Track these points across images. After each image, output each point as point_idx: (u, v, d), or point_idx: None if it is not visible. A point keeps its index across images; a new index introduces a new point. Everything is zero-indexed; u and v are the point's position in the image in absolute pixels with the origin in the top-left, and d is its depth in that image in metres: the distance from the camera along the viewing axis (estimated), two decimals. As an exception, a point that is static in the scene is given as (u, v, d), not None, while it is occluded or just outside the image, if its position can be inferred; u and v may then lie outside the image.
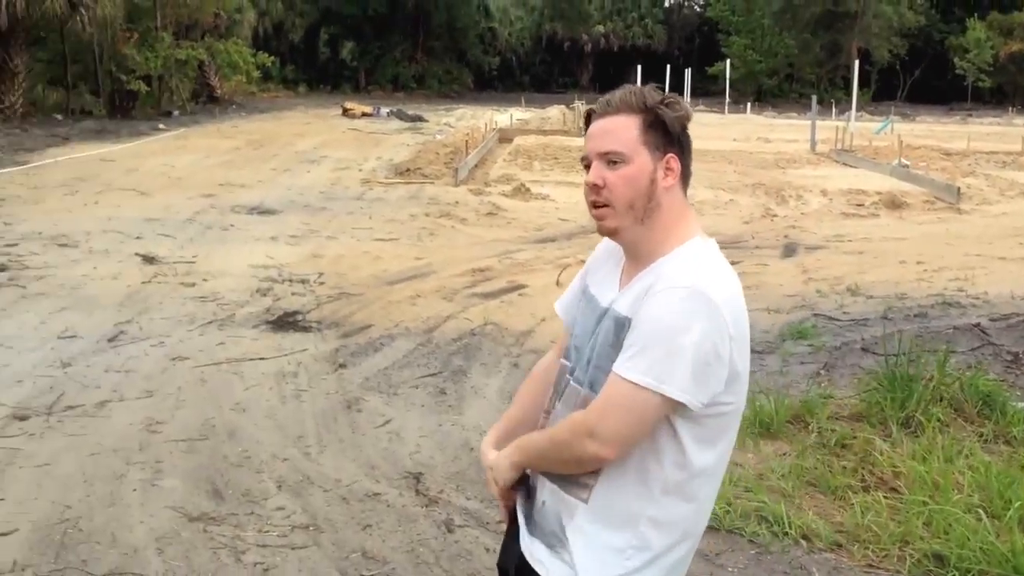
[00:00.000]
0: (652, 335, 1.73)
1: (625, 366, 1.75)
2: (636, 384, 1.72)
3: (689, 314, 1.72)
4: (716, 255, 1.88)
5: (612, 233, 1.91)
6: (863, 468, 4.54)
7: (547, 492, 1.95)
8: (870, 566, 3.80)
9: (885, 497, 4.22)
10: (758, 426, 4.98)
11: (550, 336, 7.01)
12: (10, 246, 9.79)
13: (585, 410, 1.82)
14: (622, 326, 1.82)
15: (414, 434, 5.14)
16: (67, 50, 28.38)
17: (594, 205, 1.90)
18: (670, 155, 1.86)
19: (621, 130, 1.85)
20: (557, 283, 8.62)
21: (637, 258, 1.91)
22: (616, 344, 1.81)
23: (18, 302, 7.64)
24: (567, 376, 1.98)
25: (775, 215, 13.53)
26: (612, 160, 1.85)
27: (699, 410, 1.75)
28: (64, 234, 10.55)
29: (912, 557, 3.78)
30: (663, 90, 1.91)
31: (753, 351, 6.57)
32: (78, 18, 25.67)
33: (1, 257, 9.24)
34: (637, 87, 1.90)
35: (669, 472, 1.82)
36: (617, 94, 1.90)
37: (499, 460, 2.01)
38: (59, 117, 27.05)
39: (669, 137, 1.86)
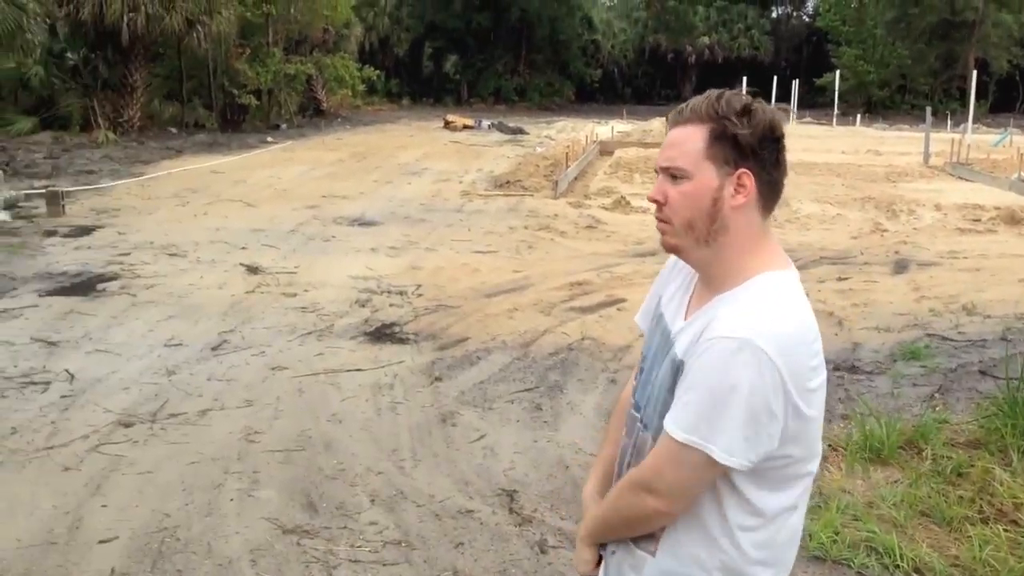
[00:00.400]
0: (699, 389, 1.58)
1: (673, 420, 1.61)
2: (682, 443, 1.58)
3: (738, 369, 1.53)
4: (787, 293, 1.65)
5: (674, 251, 1.75)
6: (981, 498, 4.27)
7: (617, 543, 1.83)
8: (990, 606, 3.56)
9: (1005, 530, 3.97)
10: (868, 451, 4.75)
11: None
12: (123, 255, 10.14)
13: (639, 466, 1.70)
14: (678, 370, 1.66)
15: (509, 450, 5.06)
16: (183, 65, 29.42)
17: (657, 219, 1.74)
18: (742, 171, 1.64)
19: (687, 142, 1.67)
20: (657, 298, 8.45)
21: (705, 282, 1.74)
22: (671, 388, 1.67)
23: (128, 310, 7.88)
24: (638, 427, 1.81)
25: (885, 230, 13.04)
26: (674, 175, 1.68)
27: (751, 467, 1.60)
28: (174, 244, 10.87)
29: (1037, 598, 3.53)
30: (754, 95, 1.70)
31: (862, 371, 6.39)
32: (195, 35, 26.57)
33: (114, 266, 9.57)
34: (717, 93, 1.69)
35: (735, 519, 1.67)
36: (692, 101, 1.71)
37: (577, 551, 1.91)
38: (174, 130, 28.05)
39: (741, 150, 1.64)
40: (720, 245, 1.67)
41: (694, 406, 1.58)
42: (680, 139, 1.68)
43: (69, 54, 26.10)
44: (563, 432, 5.34)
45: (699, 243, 1.68)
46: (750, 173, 1.64)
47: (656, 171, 1.75)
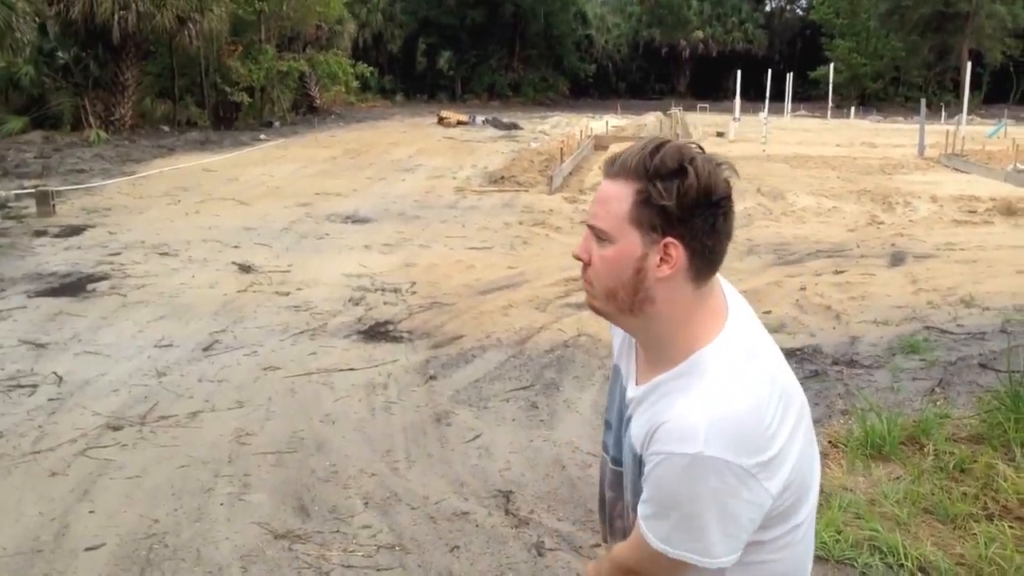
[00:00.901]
0: (663, 504, 1.45)
1: (646, 525, 1.49)
2: (659, 551, 1.47)
3: (695, 483, 1.40)
4: (731, 369, 1.47)
5: (600, 314, 1.57)
6: (985, 495, 4.20)
7: None
8: (996, 605, 3.48)
9: (1011, 527, 3.89)
10: (869, 447, 4.67)
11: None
12: (114, 255, 10.04)
13: (625, 550, 1.59)
14: (639, 464, 1.53)
15: (504, 450, 4.98)
16: (175, 63, 29.27)
17: (583, 279, 1.57)
18: (668, 240, 1.45)
19: (612, 201, 1.48)
20: (653, 293, 8.38)
21: (646, 351, 1.59)
22: (639, 477, 1.54)
23: (118, 311, 7.78)
24: (621, 482, 1.69)
25: (881, 222, 12.98)
26: (598, 236, 1.51)
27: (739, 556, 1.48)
28: (165, 243, 10.77)
29: (1044, 596, 3.46)
30: (697, 150, 1.50)
31: (860, 365, 6.31)
32: (186, 32, 26.44)
33: (105, 266, 9.47)
34: (653, 146, 1.47)
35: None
36: (627, 151, 1.50)
37: None
38: (166, 128, 27.92)
39: (668, 217, 1.44)
40: (647, 316, 1.51)
41: (662, 518, 1.46)
42: (607, 196, 1.50)
43: (60, 53, 25.95)
44: (559, 431, 5.26)
45: (623, 312, 1.53)
46: (678, 243, 1.46)
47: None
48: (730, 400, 1.43)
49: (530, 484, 4.56)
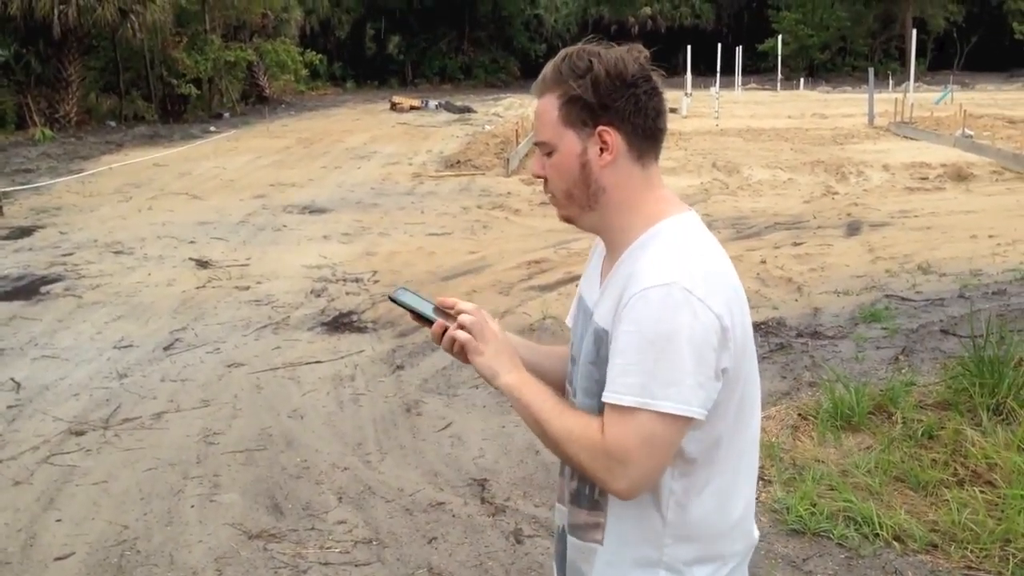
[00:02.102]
0: (636, 348, 1.46)
1: (614, 390, 1.48)
2: (632, 408, 1.46)
3: (672, 314, 1.44)
4: (693, 234, 1.59)
5: (567, 221, 1.68)
6: (955, 461, 4.26)
7: (569, 547, 1.72)
8: (970, 568, 3.54)
9: (981, 492, 3.95)
10: (839, 418, 4.71)
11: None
12: (66, 255, 9.83)
13: (602, 435, 1.50)
14: (601, 340, 1.56)
15: (476, 437, 4.96)
16: (119, 57, 28.64)
17: (546, 193, 1.69)
18: (601, 128, 1.56)
19: (545, 113, 1.60)
20: (615, 273, 8.39)
21: (608, 247, 1.68)
22: (597, 361, 1.57)
23: (74, 312, 7.62)
24: (570, 396, 1.72)
25: (836, 193, 13.11)
26: (544, 150, 1.62)
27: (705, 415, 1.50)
28: (119, 241, 10.57)
29: (1015, 557, 3.52)
30: (607, 44, 1.60)
31: (824, 336, 6.38)
32: (128, 25, 25.83)
33: (57, 267, 9.26)
34: (563, 54, 1.60)
35: (673, 482, 1.57)
36: (546, 67, 1.62)
37: (498, 362, 1.63)
38: (113, 124, 27.37)
39: (592, 109, 1.55)
40: (604, 206, 1.61)
41: (635, 366, 1.46)
42: (540, 111, 1.62)
43: (-1, 50, 25.30)
44: (530, 415, 5.24)
45: (584, 209, 1.63)
46: (610, 129, 1.56)
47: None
48: (702, 255, 1.55)
49: (504, 471, 4.55)
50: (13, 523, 4.04)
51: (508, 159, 16.51)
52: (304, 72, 40.41)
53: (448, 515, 4.08)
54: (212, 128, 27.51)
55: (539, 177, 1.66)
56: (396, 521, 4.03)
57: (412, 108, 34.33)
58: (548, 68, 1.62)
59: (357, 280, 8.58)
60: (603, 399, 1.50)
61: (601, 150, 1.57)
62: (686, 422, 1.48)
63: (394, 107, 34.76)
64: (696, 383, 1.46)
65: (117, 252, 10.01)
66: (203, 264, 9.37)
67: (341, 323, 7.22)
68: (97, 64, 29.12)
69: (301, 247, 10.20)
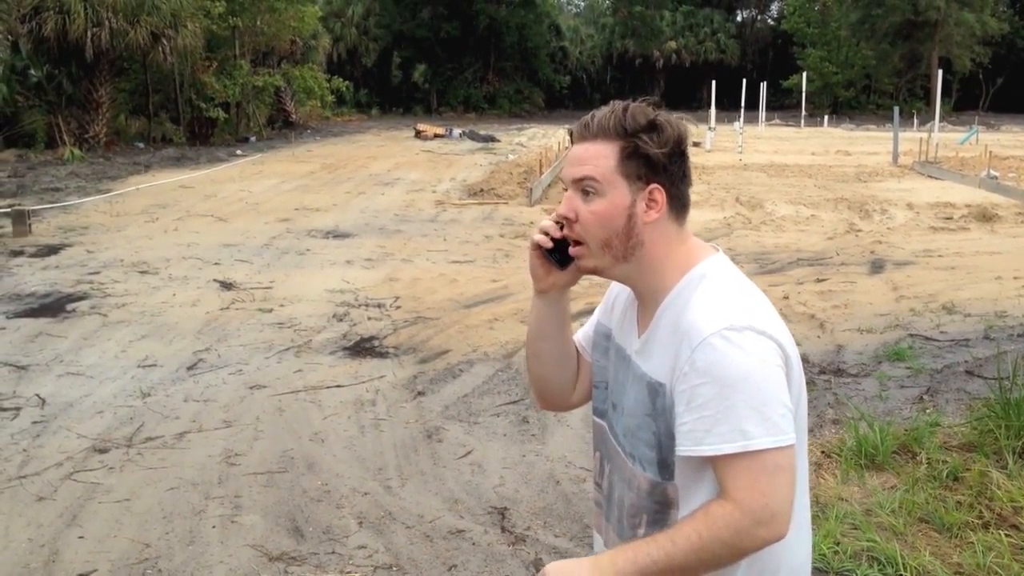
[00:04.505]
0: (720, 397, 1.49)
1: (719, 439, 1.49)
2: (749, 452, 1.48)
3: (739, 358, 1.49)
4: (729, 272, 1.65)
5: (593, 272, 1.69)
6: (979, 503, 4.21)
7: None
8: (995, 613, 3.49)
9: (1007, 535, 3.90)
10: (863, 457, 4.68)
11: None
12: (93, 274, 9.93)
13: (728, 501, 1.50)
14: (656, 392, 1.60)
15: (497, 465, 4.95)
16: (149, 80, 29.08)
17: (570, 239, 1.68)
18: (653, 186, 1.62)
19: (598, 158, 1.63)
20: (638, 305, 8.39)
21: (642, 297, 1.71)
22: (654, 413, 1.61)
23: (99, 331, 7.68)
24: (611, 439, 1.76)
25: (859, 230, 13.07)
26: (586, 189, 1.63)
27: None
28: (145, 261, 10.67)
29: (1042, 604, 3.47)
30: (656, 105, 1.66)
31: (847, 374, 6.34)
32: (160, 49, 26.25)
33: (84, 285, 9.35)
34: (622, 106, 1.65)
35: None
36: (598, 115, 1.65)
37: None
38: (141, 145, 27.71)
39: (653, 166, 1.61)
40: (639, 259, 1.65)
41: (723, 414, 1.49)
42: (591, 155, 1.64)
43: (32, 71, 25.68)
44: (551, 445, 5.24)
45: (618, 260, 1.65)
46: (661, 188, 1.62)
47: (564, 187, 1.72)
48: (744, 292, 1.61)
49: (525, 500, 4.53)
50: (36, 539, 4.06)
51: (531, 189, 16.59)
52: (330, 98, 40.85)
53: (468, 543, 4.07)
54: (238, 151, 27.80)
55: (567, 220, 1.66)
56: (416, 547, 4.03)
57: (436, 136, 34.60)
58: (607, 115, 1.64)
59: (379, 305, 8.62)
60: (700, 453, 1.52)
61: (648, 205, 1.62)
62: (788, 450, 1.51)
63: (418, 135, 35.04)
64: (783, 411, 1.50)
65: (143, 272, 10.10)
66: (227, 286, 9.44)
67: (363, 348, 7.24)
68: (127, 86, 29.55)
69: (324, 271, 10.26)
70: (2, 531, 4.13)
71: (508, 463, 4.99)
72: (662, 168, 1.61)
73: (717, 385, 1.49)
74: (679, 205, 1.65)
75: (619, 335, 1.78)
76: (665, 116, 1.63)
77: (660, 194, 1.62)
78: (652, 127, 1.61)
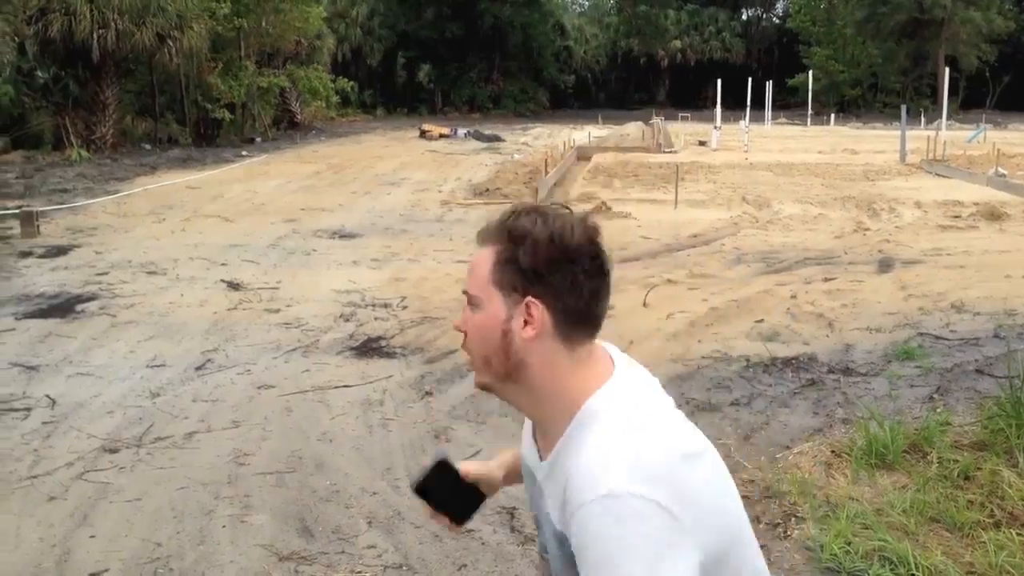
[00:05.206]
0: (595, 564, 1.30)
1: None
2: None
3: (617, 531, 1.29)
4: (625, 404, 1.43)
5: (484, 389, 1.53)
6: (991, 502, 4.20)
7: None
8: (1007, 613, 3.48)
9: (1018, 534, 3.89)
10: (873, 456, 4.66)
11: (640, 360, 6.73)
12: (101, 275, 9.95)
13: None
14: (562, 541, 1.42)
15: (505, 465, 4.94)
16: (155, 81, 29.15)
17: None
18: (528, 299, 1.42)
19: (479, 266, 1.47)
20: (644, 304, 8.38)
21: (537, 424, 1.55)
22: (563, 558, 1.43)
23: (108, 331, 7.70)
24: None
25: (867, 229, 13.04)
26: (470, 303, 1.48)
27: None
28: (152, 261, 10.69)
29: (1054, 603, 3.45)
30: (563, 207, 1.49)
31: (857, 373, 6.32)
32: (166, 50, 26.31)
33: (93, 286, 9.37)
34: (518, 208, 1.47)
35: None
36: (493, 219, 1.50)
37: None
38: (147, 146, 27.77)
39: (527, 276, 1.42)
40: (526, 383, 1.47)
41: None
42: (476, 262, 1.49)
43: (39, 72, 25.78)
44: (560, 445, 5.23)
45: (503, 380, 1.48)
46: (538, 303, 1.42)
47: None
48: (629, 434, 1.38)
49: (534, 499, 4.52)
50: (48, 538, 4.07)
51: (537, 188, 16.58)
52: (335, 99, 40.96)
53: (477, 543, 4.07)
54: (244, 152, 27.83)
55: (459, 331, 1.52)
56: (426, 547, 4.03)
57: (441, 136, 34.62)
58: (496, 219, 1.49)
59: (386, 305, 8.62)
60: None
61: (525, 321, 1.43)
62: None
63: (423, 135, 35.06)
64: None
65: (150, 272, 10.12)
66: (234, 286, 9.45)
67: (370, 348, 7.25)
68: (133, 87, 29.63)
69: (331, 271, 10.27)
70: (14, 531, 4.14)
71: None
72: (535, 278, 1.42)
73: (594, 553, 1.31)
74: (570, 324, 1.44)
75: (526, 451, 1.63)
76: (554, 218, 1.44)
77: (536, 309, 1.42)
78: (524, 233, 1.43)
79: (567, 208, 1.50)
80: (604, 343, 1.54)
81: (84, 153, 23.79)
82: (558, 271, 1.42)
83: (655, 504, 1.30)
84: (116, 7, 24.56)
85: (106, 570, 3.79)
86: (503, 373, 1.47)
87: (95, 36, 24.43)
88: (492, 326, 1.45)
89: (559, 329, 1.43)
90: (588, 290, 1.44)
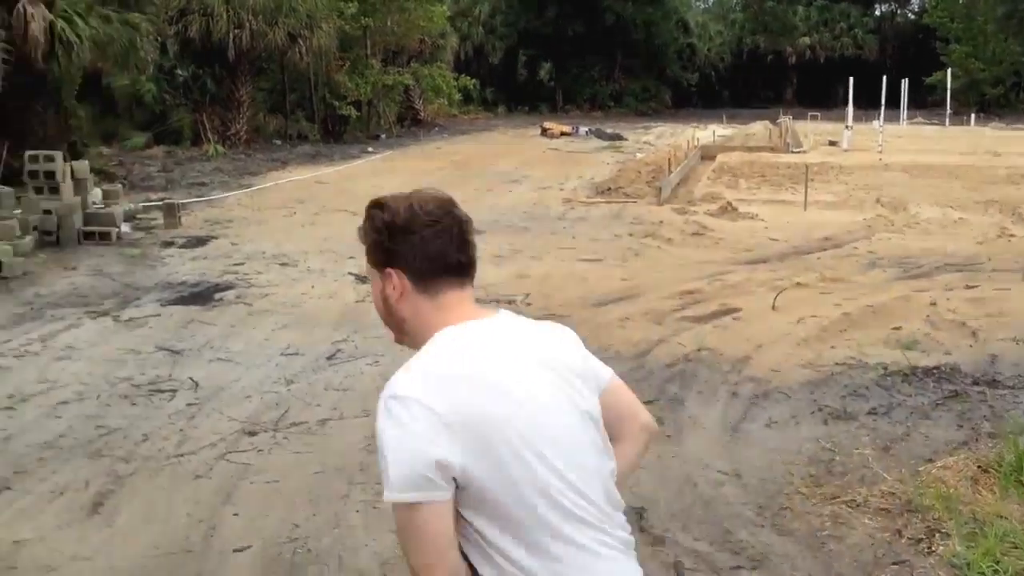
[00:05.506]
0: (380, 455, 1.66)
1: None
2: (391, 503, 1.67)
3: (383, 423, 1.66)
4: (451, 338, 1.76)
5: (399, 343, 1.93)
6: None
7: None
8: None
9: None
10: (1023, 473, 4.44)
11: (769, 365, 6.64)
12: (237, 265, 10.34)
13: None
14: None
15: (633, 465, 4.91)
16: (286, 79, 30.11)
17: None
18: (387, 270, 1.82)
19: (365, 254, 1.89)
20: (773, 307, 8.19)
21: None
22: None
23: (245, 319, 8.00)
24: None
25: (1012, 235, 12.41)
26: (367, 282, 1.79)
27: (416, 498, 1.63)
28: (284, 253, 11.05)
29: None
30: (401, 199, 1.86)
31: (1003, 385, 6.02)
32: (296, 49, 27.13)
33: (229, 276, 9.76)
34: (375, 202, 1.87)
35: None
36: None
37: None
38: (278, 142, 28.69)
39: (381, 252, 1.82)
40: (411, 332, 1.85)
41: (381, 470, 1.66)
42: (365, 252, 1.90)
43: (179, 71, 26.95)
44: (687, 447, 5.18)
45: (401, 332, 1.88)
46: (394, 271, 1.80)
47: None
48: (429, 358, 1.74)
49: (662, 501, 4.49)
50: (195, 514, 4.26)
51: (660, 188, 16.41)
52: (457, 96, 41.33)
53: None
54: (370, 149, 28.46)
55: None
56: (555, 542, 4.03)
57: (563, 134, 34.55)
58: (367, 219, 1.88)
59: (511, 301, 8.67)
60: None
61: (393, 288, 1.81)
62: (417, 508, 1.62)
63: (544, 132, 35.07)
64: (401, 475, 1.61)
65: (283, 264, 10.46)
66: (362, 279, 9.66)
67: (496, 343, 7.29)
68: (266, 85, 30.65)
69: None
70: (165, 505, 4.36)
71: (644, 463, 4.94)
72: (387, 252, 1.81)
73: (378, 442, 1.66)
74: (425, 277, 1.80)
75: None
76: (391, 201, 1.82)
77: (395, 276, 1.80)
78: (367, 217, 1.84)
79: (425, 190, 1.87)
80: (503, 309, 1.92)
81: (220, 148, 24.76)
82: (403, 243, 1.80)
83: (428, 408, 1.64)
84: (251, 7, 25.47)
85: (249, 547, 3.95)
86: (397, 327, 1.88)
87: (231, 36, 25.39)
88: (378, 296, 1.87)
89: (417, 286, 1.81)
90: (433, 249, 1.80)
